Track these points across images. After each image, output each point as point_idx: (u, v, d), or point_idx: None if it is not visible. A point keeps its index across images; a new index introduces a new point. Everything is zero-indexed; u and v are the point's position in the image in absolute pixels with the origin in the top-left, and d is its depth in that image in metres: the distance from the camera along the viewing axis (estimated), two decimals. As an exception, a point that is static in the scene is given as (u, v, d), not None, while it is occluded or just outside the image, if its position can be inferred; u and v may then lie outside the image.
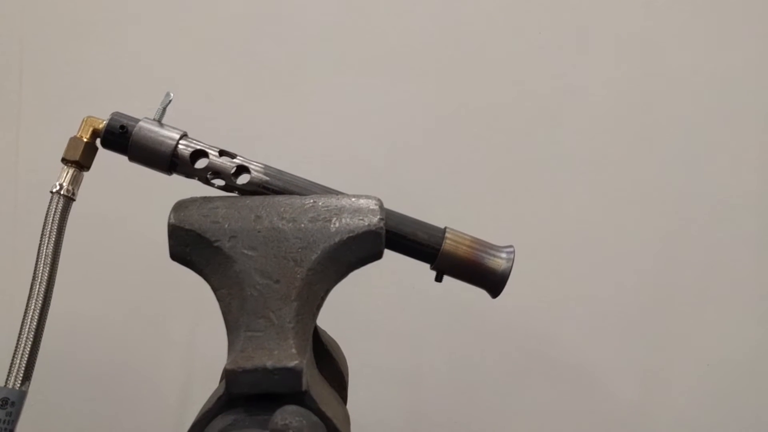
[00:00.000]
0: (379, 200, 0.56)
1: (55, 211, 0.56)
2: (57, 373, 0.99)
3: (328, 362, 0.62)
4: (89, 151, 0.57)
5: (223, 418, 0.47)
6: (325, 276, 0.52)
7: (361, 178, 0.98)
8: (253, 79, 1.03)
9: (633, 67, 1.03)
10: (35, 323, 0.54)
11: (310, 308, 0.52)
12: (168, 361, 1.03)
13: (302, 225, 0.53)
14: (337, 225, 0.53)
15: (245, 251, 0.52)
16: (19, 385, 0.53)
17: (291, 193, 0.57)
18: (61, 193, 0.56)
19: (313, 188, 0.58)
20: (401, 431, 1.03)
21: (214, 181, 0.57)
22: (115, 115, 0.57)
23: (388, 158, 1.02)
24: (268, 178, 0.57)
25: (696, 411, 1.03)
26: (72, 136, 0.57)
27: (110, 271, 1.02)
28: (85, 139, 0.57)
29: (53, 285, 0.56)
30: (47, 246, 0.55)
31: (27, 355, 0.54)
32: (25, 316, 0.54)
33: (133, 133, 0.56)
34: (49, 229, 0.56)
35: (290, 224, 0.53)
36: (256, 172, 0.57)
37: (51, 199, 0.56)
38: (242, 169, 0.57)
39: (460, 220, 0.67)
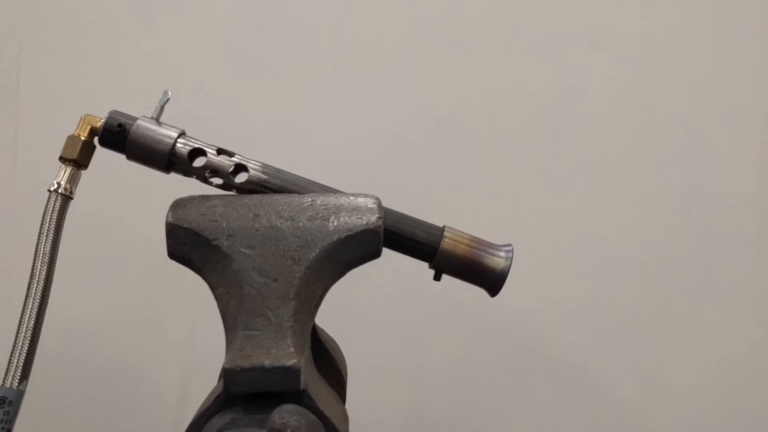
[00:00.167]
0: (377, 199, 0.56)
1: (52, 210, 0.56)
2: (55, 373, 0.99)
3: (327, 361, 0.62)
4: (87, 150, 0.57)
5: (221, 417, 0.47)
6: (324, 275, 0.52)
7: (360, 177, 0.98)
8: (253, 78, 1.03)
9: (633, 67, 1.03)
10: (33, 322, 0.54)
11: (309, 307, 0.52)
12: (166, 359, 1.03)
13: (300, 223, 0.53)
14: (335, 223, 0.53)
15: (243, 250, 0.52)
16: (16, 385, 0.53)
17: (289, 191, 0.57)
18: (59, 191, 0.56)
19: (311, 187, 0.58)
20: (400, 430, 1.02)
21: (212, 180, 0.57)
22: (113, 114, 0.57)
23: (388, 157, 1.02)
24: (266, 177, 0.57)
25: (695, 411, 1.03)
26: (70, 134, 0.57)
27: (108, 270, 1.02)
28: (82, 138, 0.57)
29: (51, 284, 0.56)
30: (45, 245, 0.55)
31: (25, 354, 0.54)
32: (22, 315, 0.54)
33: (131, 131, 0.56)
34: (46, 228, 0.56)
35: (288, 223, 0.53)
36: (255, 171, 0.57)
37: (49, 198, 0.56)
38: (240, 168, 0.57)
39: (459, 219, 0.67)
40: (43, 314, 0.55)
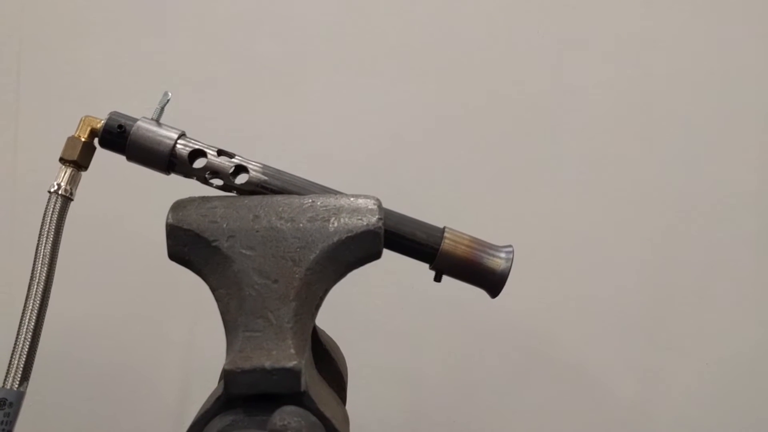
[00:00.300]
0: (377, 200, 0.56)
1: (53, 211, 0.56)
2: (55, 374, 0.99)
3: (327, 362, 0.62)
4: (87, 151, 0.57)
5: (221, 419, 0.47)
6: (324, 276, 0.52)
7: (360, 178, 0.98)
8: (253, 78, 1.02)
9: (633, 67, 1.03)
10: (33, 323, 0.54)
11: (309, 308, 0.52)
12: (167, 361, 1.03)
13: (301, 225, 0.53)
14: (335, 225, 0.53)
15: (243, 251, 0.52)
16: (17, 386, 0.53)
17: (289, 192, 0.57)
18: (59, 192, 0.56)
19: (311, 188, 0.58)
20: (400, 431, 1.02)
21: (212, 181, 0.57)
22: (113, 115, 0.57)
23: (388, 158, 1.02)
24: (266, 178, 0.57)
25: (695, 411, 1.03)
26: (70, 135, 0.57)
27: (108, 271, 1.01)
28: (83, 139, 0.57)
29: (51, 285, 0.55)
30: (45, 246, 0.55)
31: (25, 356, 0.54)
32: (23, 316, 0.54)
33: (131, 132, 0.56)
34: (47, 229, 0.56)
35: (289, 224, 0.53)
36: (255, 172, 0.57)
37: (49, 199, 0.56)
38: (240, 169, 0.57)
39: (459, 219, 0.67)
40: (44, 316, 0.55)
